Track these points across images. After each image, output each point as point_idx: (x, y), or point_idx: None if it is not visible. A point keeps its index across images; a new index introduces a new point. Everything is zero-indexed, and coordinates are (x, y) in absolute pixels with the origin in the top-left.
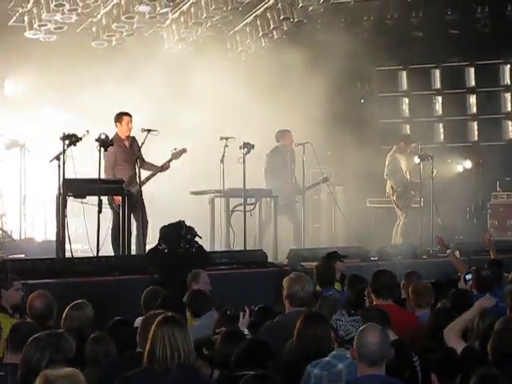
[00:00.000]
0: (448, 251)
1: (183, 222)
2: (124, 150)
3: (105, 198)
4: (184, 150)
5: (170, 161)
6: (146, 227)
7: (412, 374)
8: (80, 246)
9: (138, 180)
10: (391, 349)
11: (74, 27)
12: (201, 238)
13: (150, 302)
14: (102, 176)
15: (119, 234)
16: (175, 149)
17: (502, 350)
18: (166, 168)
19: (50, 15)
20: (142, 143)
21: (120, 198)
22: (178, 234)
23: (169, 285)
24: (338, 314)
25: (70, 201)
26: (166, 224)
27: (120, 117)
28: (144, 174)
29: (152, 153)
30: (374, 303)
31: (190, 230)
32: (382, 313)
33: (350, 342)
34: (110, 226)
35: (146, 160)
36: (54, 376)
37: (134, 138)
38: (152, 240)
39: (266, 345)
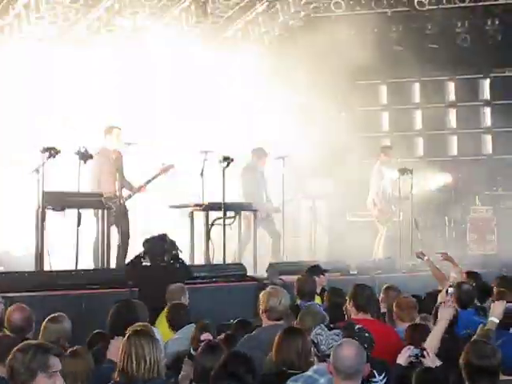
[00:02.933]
0: (425, 258)
1: (166, 235)
2: (110, 163)
3: (91, 210)
4: (172, 166)
5: (156, 176)
6: (128, 241)
7: None
8: (59, 258)
9: (120, 193)
10: (367, 364)
11: (55, 40)
12: (181, 251)
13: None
14: (87, 187)
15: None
16: (163, 164)
17: (474, 363)
18: (143, 190)
19: (30, 27)
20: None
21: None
22: (161, 247)
23: (147, 297)
24: (318, 329)
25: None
26: (149, 237)
27: (109, 129)
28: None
29: (135, 167)
30: (353, 317)
31: (173, 244)
32: (366, 335)
33: None
34: (93, 240)
35: (125, 177)
36: None
37: (119, 152)
38: (132, 254)
39: (245, 358)
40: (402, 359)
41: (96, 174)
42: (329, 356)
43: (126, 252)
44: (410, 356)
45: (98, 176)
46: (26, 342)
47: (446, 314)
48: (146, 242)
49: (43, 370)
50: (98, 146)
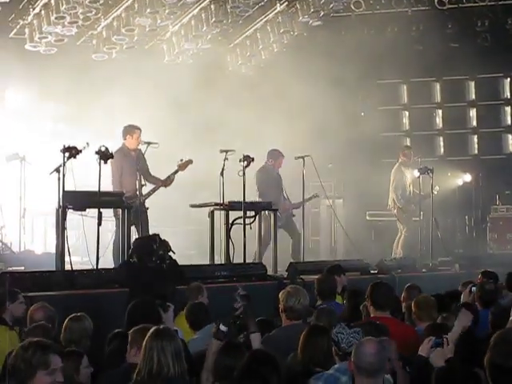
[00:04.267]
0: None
1: (157, 235)
2: (132, 162)
3: (110, 209)
4: (190, 161)
5: (175, 173)
6: None
7: None
8: (80, 258)
9: (141, 192)
10: (388, 363)
11: (75, 40)
12: (174, 253)
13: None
14: (109, 187)
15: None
16: (181, 160)
17: (498, 363)
18: (170, 183)
19: (50, 28)
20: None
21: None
22: (150, 247)
23: (136, 298)
24: (339, 327)
25: (70, 213)
26: (140, 237)
27: (131, 129)
28: (149, 186)
29: (155, 164)
30: (372, 315)
31: (163, 244)
32: (380, 327)
33: None
34: (112, 238)
35: (150, 174)
36: None
37: (140, 150)
38: None
39: (270, 357)
40: (424, 350)
41: (118, 174)
42: (349, 354)
43: None
44: (431, 347)
45: (120, 176)
46: (28, 339)
47: (464, 319)
48: (135, 242)
49: (43, 368)
50: (118, 145)
